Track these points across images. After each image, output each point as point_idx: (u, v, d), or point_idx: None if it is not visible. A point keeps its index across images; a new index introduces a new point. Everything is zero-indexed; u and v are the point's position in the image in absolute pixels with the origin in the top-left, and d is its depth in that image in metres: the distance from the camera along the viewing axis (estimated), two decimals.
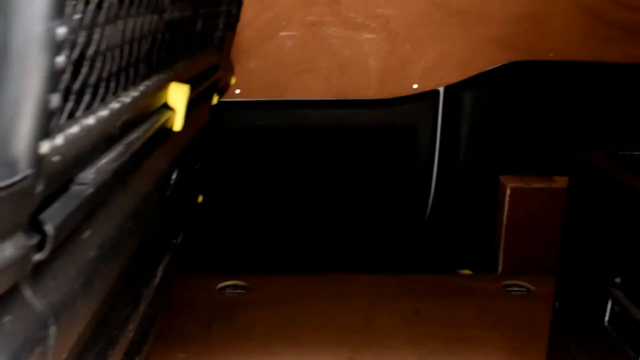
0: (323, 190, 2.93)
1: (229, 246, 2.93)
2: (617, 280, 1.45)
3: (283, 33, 2.72)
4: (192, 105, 1.41)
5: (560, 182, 2.77)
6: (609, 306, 1.46)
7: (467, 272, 2.86)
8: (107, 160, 0.84)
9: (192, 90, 1.39)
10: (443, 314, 2.45)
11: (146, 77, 1.09)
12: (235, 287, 2.60)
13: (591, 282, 1.58)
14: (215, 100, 1.98)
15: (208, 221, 2.81)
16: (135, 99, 0.97)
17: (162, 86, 1.14)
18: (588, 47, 2.81)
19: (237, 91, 2.72)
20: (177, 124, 1.20)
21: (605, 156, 1.65)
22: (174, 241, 1.56)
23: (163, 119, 1.14)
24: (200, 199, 2.32)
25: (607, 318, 1.46)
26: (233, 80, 2.49)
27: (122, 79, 0.94)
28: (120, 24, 0.92)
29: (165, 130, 1.19)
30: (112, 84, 0.88)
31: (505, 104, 2.81)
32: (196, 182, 2.05)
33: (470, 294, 2.61)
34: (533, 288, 2.65)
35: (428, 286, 2.65)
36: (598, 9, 2.79)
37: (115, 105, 0.89)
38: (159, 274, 1.45)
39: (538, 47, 2.80)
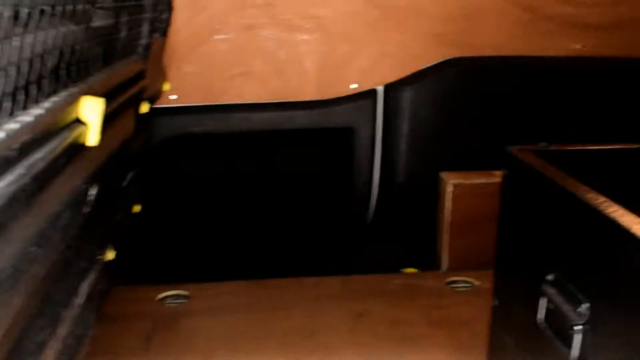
0: (263, 195, 2.90)
1: (168, 255, 2.87)
2: (550, 277, 1.45)
3: (217, 37, 2.67)
4: (112, 117, 1.37)
5: (500, 176, 2.78)
6: (542, 303, 1.46)
7: (411, 270, 2.86)
8: (3, 185, 0.80)
9: (110, 101, 1.34)
10: (387, 314, 2.44)
11: (53, 92, 1.04)
12: (176, 296, 2.55)
13: (525, 279, 1.59)
14: (145, 108, 1.93)
15: (147, 230, 2.76)
16: (38, 118, 0.93)
17: (73, 101, 1.09)
18: (524, 41, 2.83)
19: (173, 97, 2.66)
20: (92, 139, 1.15)
21: (537, 152, 1.66)
22: (99, 257, 1.51)
23: (74, 135, 1.09)
24: (136, 208, 2.27)
25: (540, 315, 1.46)
26: (166, 86, 2.44)
27: (21, 97, 0.89)
28: (16, 40, 0.87)
29: (80, 146, 1.14)
30: (7, 104, 0.84)
31: (445, 100, 2.81)
32: (128, 194, 2.00)
33: (414, 292, 2.61)
34: (477, 283, 2.66)
35: (372, 286, 2.64)
36: (533, 3, 2.82)
37: (12, 126, 0.85)
38: (84, 291, 1.40)
39: (475, 42, 2.81)
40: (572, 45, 2.86)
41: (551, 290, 1.43)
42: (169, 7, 2.19)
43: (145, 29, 1.73)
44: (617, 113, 2.90)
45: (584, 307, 1.31)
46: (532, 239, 1.58)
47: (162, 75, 2.38)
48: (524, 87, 2.84)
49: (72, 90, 1.10)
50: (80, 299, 1.36)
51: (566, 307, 1.36)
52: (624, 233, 1.18)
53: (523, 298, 1.60)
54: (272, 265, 2.93)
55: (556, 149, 1.70)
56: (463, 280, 2.70)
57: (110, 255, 1.78)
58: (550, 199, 1.49)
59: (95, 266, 1.53)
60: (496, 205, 2.78)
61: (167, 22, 2.22)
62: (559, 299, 1.39)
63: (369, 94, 2.82)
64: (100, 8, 1.49)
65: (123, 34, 1.61)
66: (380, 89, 2.82)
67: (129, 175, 1.97)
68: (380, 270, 2.81)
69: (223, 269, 2.86)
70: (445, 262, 2.82)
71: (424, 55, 2.81)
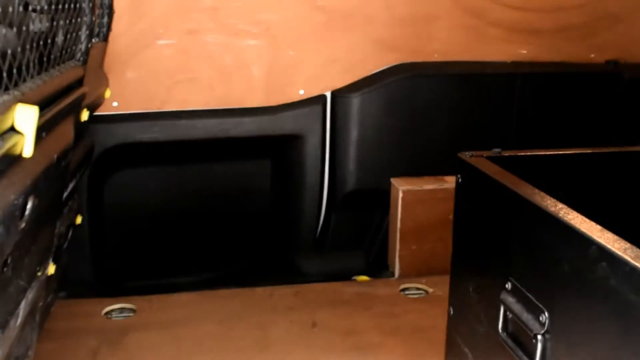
0: (210, 204, 2.83)
1: (114, 267, 2.77)
2: (508, 286, 1.42)
3: (160, 41, 2.59)
4: (50, 126, 1.28)
5: (451, 182, 2.77)
6: (501, 313, 1.44)
7: (364, 278, 2.83)
8: None
9: (47, 109, 1.26)
10: (341, 323, 2.39)
11: None
12: (122, 310, 2.45)
13: (482, 287, 1.56)
14: (85, 116, 1.84)
15: (91, 242, 2.66)
16: None
17: (6, 109, 1.01)
18: (471, 46, 2.83)
19: (114, 104, 2.57)
20: (27, 150, 1.07)
21: (490, 158, 1.64)
22: (39, 273, 1.42)
23: (8, 145, 1.01)
24: (78, 220, 2.18)
25: (500, 325, 1.44)
26: (107, 93, 2.35)
27: None
28: None
29: (14, 157, 1.06)
30: None
31: (393, 106, 2.79)
32: (69, 205, 1.90)
33: (367, 300, 2.57)
34: (431, 290, 2.65)
35: (324, 296, 2.60)
36: (479, 9, 2.82)
37: None
38: (23, 311, 1.31)
39: (423, 48, 2.80)
40: (518, 50, 2.88)
41: (510, 299, 1.41)
42: (109, 11, 2.10)
43: (83, 33, 1.64)
44: (563, 117, 2.92)
45: (544, 317, 1.28)
46: (488, 246, 1.56)
47: (102, 82, 2.28)
48: (472, 93, 2.84)
49: (5, 98, 1.02)
50: (19, 319, 1.27)
51: (526, 316, 1.34)
52: (584, 240, 1.15)
53: (481, 307, 1.57)
54: (222, 276, 2.86)
55: (509, 154, 1.68)
56: (416, 288, 2.68)
57: (51, 269, 1.69)
58: (505, 205, 1.46)
59: (35, 283, 1.44)
60: (447, 210, 2.76)
61: (107, 26, 2.13)
62: (518, 308, 1.37)
63: (318, 100, 2.77)
64: (35, 11, 1.40)
65: (60, 38, 1.52)
66: (328, 95, 2.79)
67: (69, 186, 1.87)
68: (332, 278, 2.77)
69: (171, 281, 2.77)
70: (397, 269, 2.79)
71: (371, 60, 2.79)
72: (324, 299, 2.58)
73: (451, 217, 2.76)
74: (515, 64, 2.88)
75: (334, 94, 2.78)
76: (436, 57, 2.81)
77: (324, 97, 2.78)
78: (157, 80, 2.61)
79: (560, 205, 1.27)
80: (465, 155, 1.65)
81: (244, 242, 2.92)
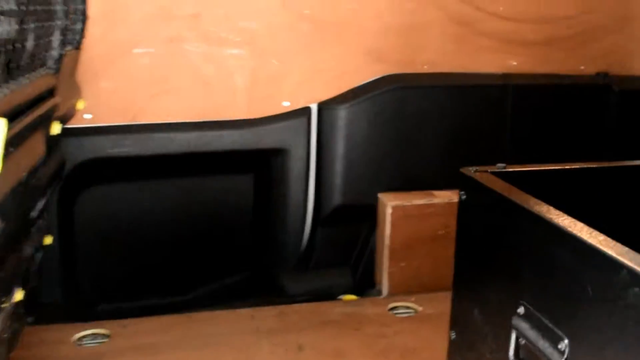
0: (189, 221, 2.69)
1: (86, 289, 2.62)
2: (521, 310, 1.32)
3: (138, 50, 2.46)
4: (19, 140, 1.16)
5: (441, 196, 2.69)
6: (512, 339, 1.33)
7: (351, 297, 2.72)
8: None
9: (15, 122, 1.13)
10: (328, 345, 2.28)
11: None
12: (95, 336, 2.31)
13: (490, 311, 1.45)
14: (56, 129, 1.71)
15: (61, 263, 2.51)
16: None
17: None
18: (461, 57, 2.75)
19: (87, 116, 2.43)
20: None
21: (496, 173, 1.54)
22: (3, 304, 1.28)
23: None
24: (47, 240, 2.03)
25: (511, 352, 1.33)
26: (81, 104, 2.21)
27: None
28: None
29: None
30: None
31: (381, 118, 2.69)
32: (38, 225, 1.76)
33: (356, 321, 2.46)
34: (420, 308, 2.56)
35: (310, 316, 2.48)
36: (470, 19, 2.74)
37: None
38: None
39: (411, 59, 2.71)
40: (509, 62, 2.80)
41: (523, 324, 1.30)
42: (83, 16, 1.96)
43: (56, 39, 1.52)
44: (554, 129, 2.85)
45: (563, 344, 1.18)
46: (496, 266, 1.45)
47: (75, 92, 2.14)
48: (462, 105, 2.75)
49: None
50: None
51: (542, 344, 1.23)
52: (612, 263, 1.05)
53: (488, 331, 1.46)
54: (202, 297, 2.73)
55: (515, 169, 1.58)
56: (405, 306, 2.58)
57: (18, 295, 1.56)
58: (516, 224, 1.36)
59: (1, 313, 1.30)
60: (437, 226, 2.69)
61: (80, 33, 2.00)
62: (533, 335, 1.26)
63: (303, 112, 2.66)
64: (2, 13, 1.27)
65: (30, 43, 1.39)
66: (314, 107, 2.67)
67: (39, 205, 1.73)
68: (318, 298, 2.66)
69: (147, 303, 2.64)
70: (385, 288, 2.68)
71: (359, 71, 2.68)
72: (309, 319, 2.46)
73: (441, 232, 2.70)
74: (506, 75, 2.80)
75: (320, 105, 2.67)
76: (426, 69, 2.72)
77: (309, 109, 2.67)
78: (133, 90, 2.48)
79: (581, 224, 1.17)
80: (469, 171, 1.55)
81: (225, 260, 2.79)
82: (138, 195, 2.63)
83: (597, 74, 2.91)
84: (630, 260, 1.02)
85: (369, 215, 2.74)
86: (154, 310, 2.52)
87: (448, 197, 2.68)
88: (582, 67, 2.89)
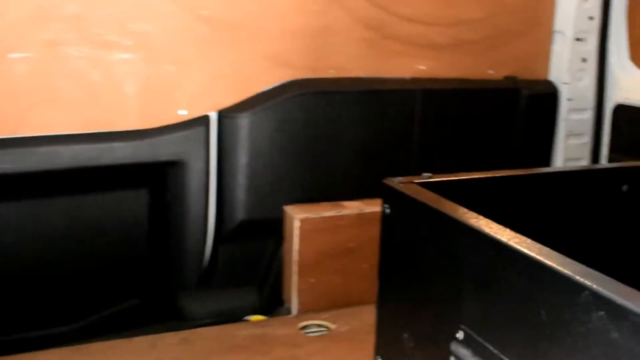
0: (79, 241, 2.44)
1: None
2: (460, 335, 1.20)
3: (13, 55, 2.19)
4: None
5: (351, 207, 2.58)
6: None
7: (258, 318, 2.55)
8: None
9: None
10: None
11: None
12: None
13: (422, 335, 1.33)
14: None
15: None
16: None
17: None
18: (370, 62, 2.64)
19: None
20: None
21: (421, 184, 1.43)
22: None
23: None
24: None
25: None
26: None
27: None
28: None
29: None
30: None
31: (286, 126, 2.54)
32: None
33: (265, 343, 2.31)
34: (333, 326, 2.44)
35: (215, 342, 2.30)
36: (378, 22, 2.64)
37: None
38: None
39: (317, 63, 2.57)
40: (417, 66, 2.73)
41: (463, 351, 1.19)
42: None
43: None
44: (464, 133, 2.81)
45: None
46: (427, 285, 1.33)
47: None
48: (371, 110, 2.65)
49: None
50: None
51: None
52: (572, 284, 0.95)
53: (420, 358, 1.34)
54: (94, 325, 2.49)
55: (443, 179, 1.48)
56: (317, 325, 2.46)
57: None
58: (453, 240, 1.25)
59: None
60: (347, 239, 2.57)
61: None
62: None
63: (201, 121, 2.47)
64: None
65: None
66: (213, 115, 2.49)
67: None
68: (223, 320, 2.47)
69: (33, 334, 2.37)
70: (295, 306, 2.54)
71: (261, 77, 2.52)
72: (215, 345, 2.28)
73: (352, 245, 2.59)
74: (415, 80, 2.72)
75: (220, 114, 2.49)
76: (332, 73, 2.59)
77: (207, 117, 2.48)
78: (10, 100, 2.21)
79: (530, 241, 1.07)
80: (393, 182, 1.42)
81: (118, 284, 2.55)
82: (20, 216, 2.36)
83: (506, 77, 2.89)
84: (593, 281, 0.92)
85: (275, 229, 2.59)
86: (40, 342, 2.27)
87: (358, 207, 2.58)
88: (491, 72, 2.86)
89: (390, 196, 1.42)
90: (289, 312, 2.56)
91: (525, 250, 1.04)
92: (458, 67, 2.78)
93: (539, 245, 1.04)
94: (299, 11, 2.51)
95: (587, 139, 2.97)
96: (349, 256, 2.56)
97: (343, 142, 2.62)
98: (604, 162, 2.94)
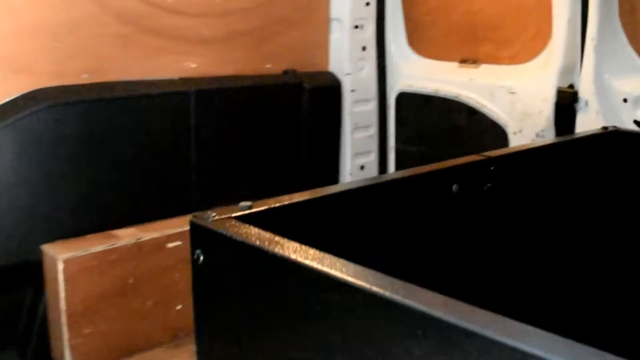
0: None
1: None
2: None
3: None
4: None
5: (125, 236, 2.17)
6: None
7: None
8: None
9: None
10: None
11: None
12: None
13: None
14: None
15: None
16: None
17: None
18: (129, 62, 2.22)
19: None
20: None
21: (240, 218, 1.10)
22: None
23: None
24: None
25: None
26: None
27: None
28: None
29: None
30: None
31: (33, 147, 2.05)
32: None
33: None
34: None
35: None
36: (134, 14, 2.22)
37: None
38: None
39: (65, 67, 2.09)
40: (186, 64, 2.35)
41: None
42: None
43: None
44: (246, 133, 2.52)
45: None
46: (259, 344, 1.02)
47: None
48: (138, 120, 2.24)
49: None
50: None
51: None
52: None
53: None
54: None
55: (264, 208, 1.16)
56: None
57: None
58: (285, 283, 0.96)
59: None
60: (124, 274, 2.15)
61: None
62: None
63: None
64: None
65: None
66: None
67: None
68: None
69: None
70: None
71: None
72: None
73: (130, 281, 2.18)
74: (186, 80, 2.35)
75: None
76: (86, 79, 2.12)
77: None
78: None
79: (397, 281, 0.80)
80: (203, 220, 1.08)
81: None
82: None
83: (285, 72, 2.63)
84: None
85: (33, 275, 2.09)
86: None
87: (134, 235, 2.18)
88: (269, 66, 2.57)
89: (202, 238, 1.07)
90: None
91: (383, 294, 0.77)
92: (232, 62, 2.46)
93: (409, 285, 0.79)
94: (36, 3, 2.01)
95: (373, 130, 2.83)
96: (129, 295, 2.15)
97: (110, 160, 2.19)
98: (392, 154, 2.82)
